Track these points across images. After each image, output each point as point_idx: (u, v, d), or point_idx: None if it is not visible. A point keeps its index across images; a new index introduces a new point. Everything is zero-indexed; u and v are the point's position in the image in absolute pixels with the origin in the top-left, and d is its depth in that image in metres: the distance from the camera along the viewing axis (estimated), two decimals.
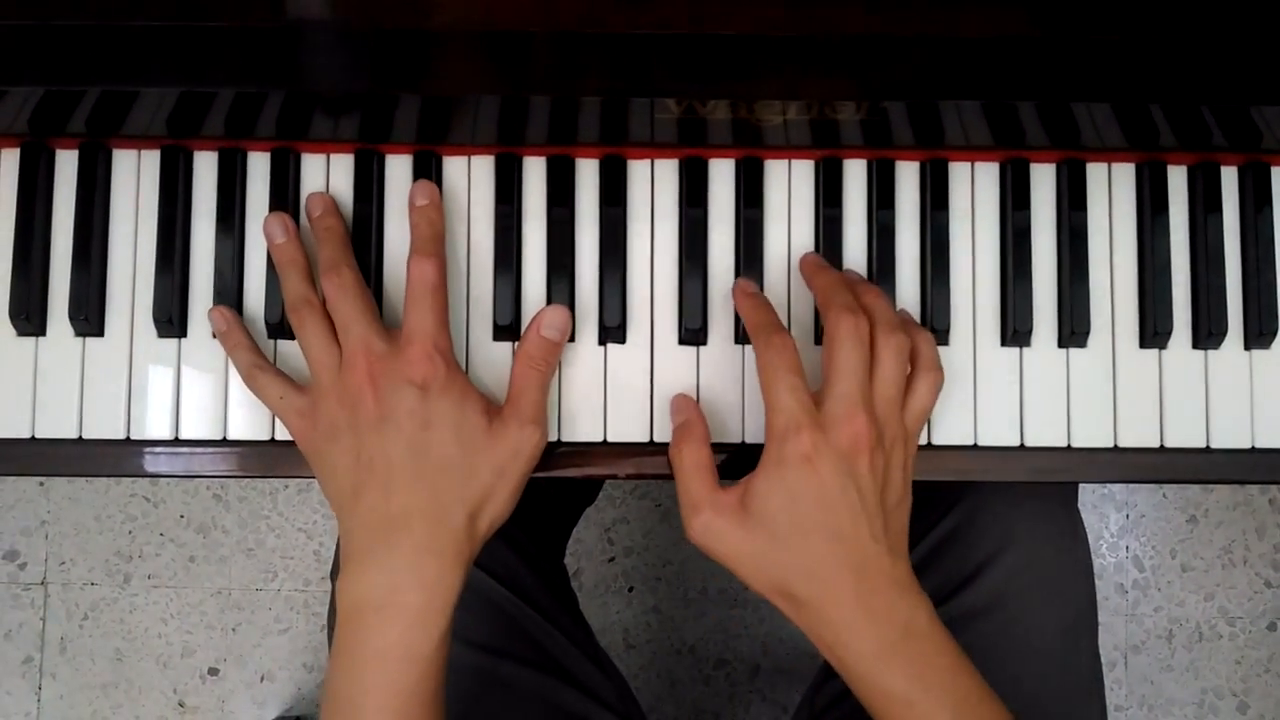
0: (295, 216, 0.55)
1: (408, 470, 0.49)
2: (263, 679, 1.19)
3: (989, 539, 0.64)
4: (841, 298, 0.51)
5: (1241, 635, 1.21)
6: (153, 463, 0.55)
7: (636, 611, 1.20)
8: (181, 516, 1.20)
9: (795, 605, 0.49)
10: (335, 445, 0.50)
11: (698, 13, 0.44)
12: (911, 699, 0.48)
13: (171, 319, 0.54)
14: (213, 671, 1.19)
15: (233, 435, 0.55)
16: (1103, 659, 1.19)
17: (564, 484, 0.59)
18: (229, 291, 0.55)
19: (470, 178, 0.56)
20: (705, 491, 0.50)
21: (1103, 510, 1.22)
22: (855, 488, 0.48)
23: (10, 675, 1.19)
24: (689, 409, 0.53)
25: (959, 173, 0.56)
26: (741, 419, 0.55)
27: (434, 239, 0.52)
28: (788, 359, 0.49)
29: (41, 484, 1.19)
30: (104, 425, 0.55)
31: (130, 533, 1.20)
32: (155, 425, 0.55)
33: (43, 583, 1.20)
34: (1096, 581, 1.19)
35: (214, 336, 0.54)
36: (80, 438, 0.55)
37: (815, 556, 0.48)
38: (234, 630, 1.19)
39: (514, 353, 0.54)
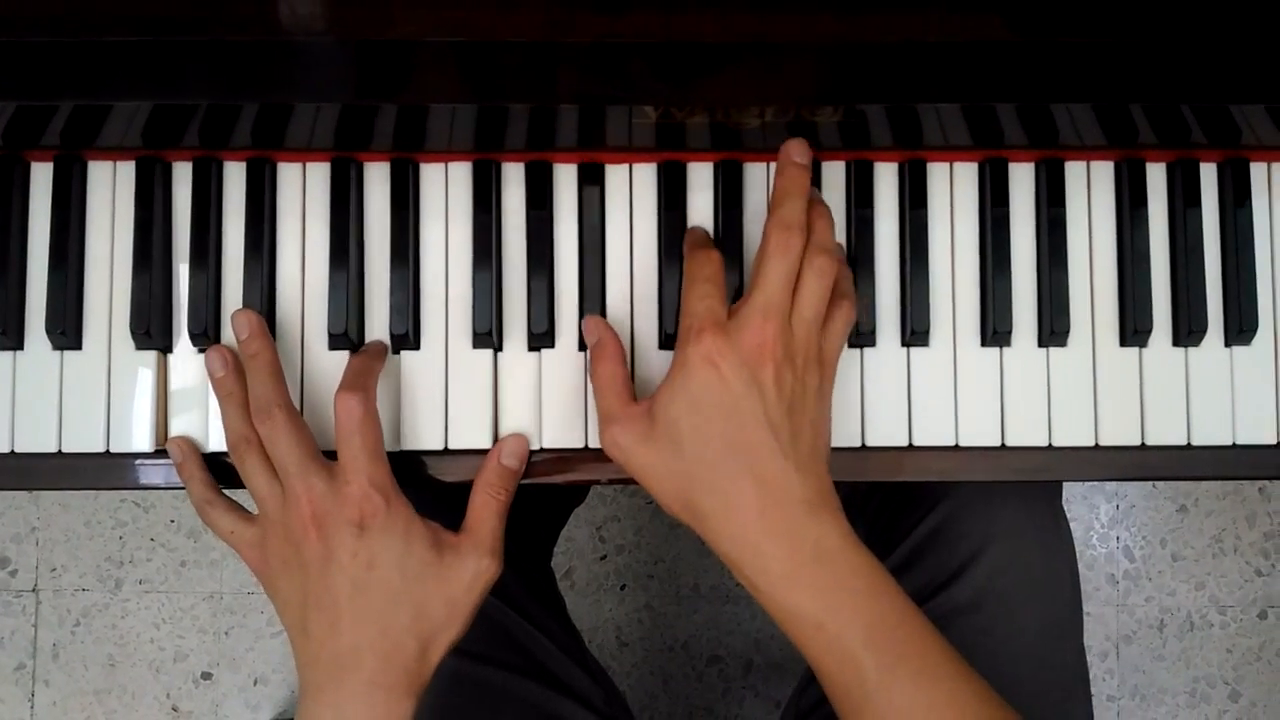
0: (273, 220, 0.55)
1: (354, 609, 0.49)
2: (256, 682, 1.19)
3: (972, 537, 0.64)
4: (789, 210, 0.50)
5: (1233, 624, 1.21)
6: (133, 475, 0.55)
7: (629, 609, 1.20)
8: (172, 521, 1.20)
9: (700, 520, 0.48)
10: (285, 580, 0.51)
11: (670, 21, 0.44)
12: (820, 621, 0.47)
13: (149, 331, 0.54)
14: (206, 676, 1.19)
15: (212, 447, 0.55)
16: (1094, 649, 1.20)
17: (549, 488, 0.59)
18: (205, 301, 0.54)
19: (448, 184, 0.56)
20: (618, 405, 0.50)
21: (1093, 501, 1.22)
22: (759, 395, 0.47)
23: (3, 683, 1.19)
24: (600, 328, 0.53)
25: (938, 173, 0.56)
26: None
27: (360, 371, 0.52)
28: (710, 270, 0.50)
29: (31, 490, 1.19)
30: (84, 439, 0.54)
31: (121, 538, 1.20)
32: (135, 438, 0.54)
33: (34, 589, 1.19)
34: (1087, 572, 1.20)
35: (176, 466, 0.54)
36: (60, 451, 0.54)
37: (715, 465, 0.48)
38: (226, 634, 1.19)
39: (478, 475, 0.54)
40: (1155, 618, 1.21)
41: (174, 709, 1.19)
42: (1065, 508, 0.70)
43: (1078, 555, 1.21)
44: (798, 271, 0.49)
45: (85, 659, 1.19)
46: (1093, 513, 1.22)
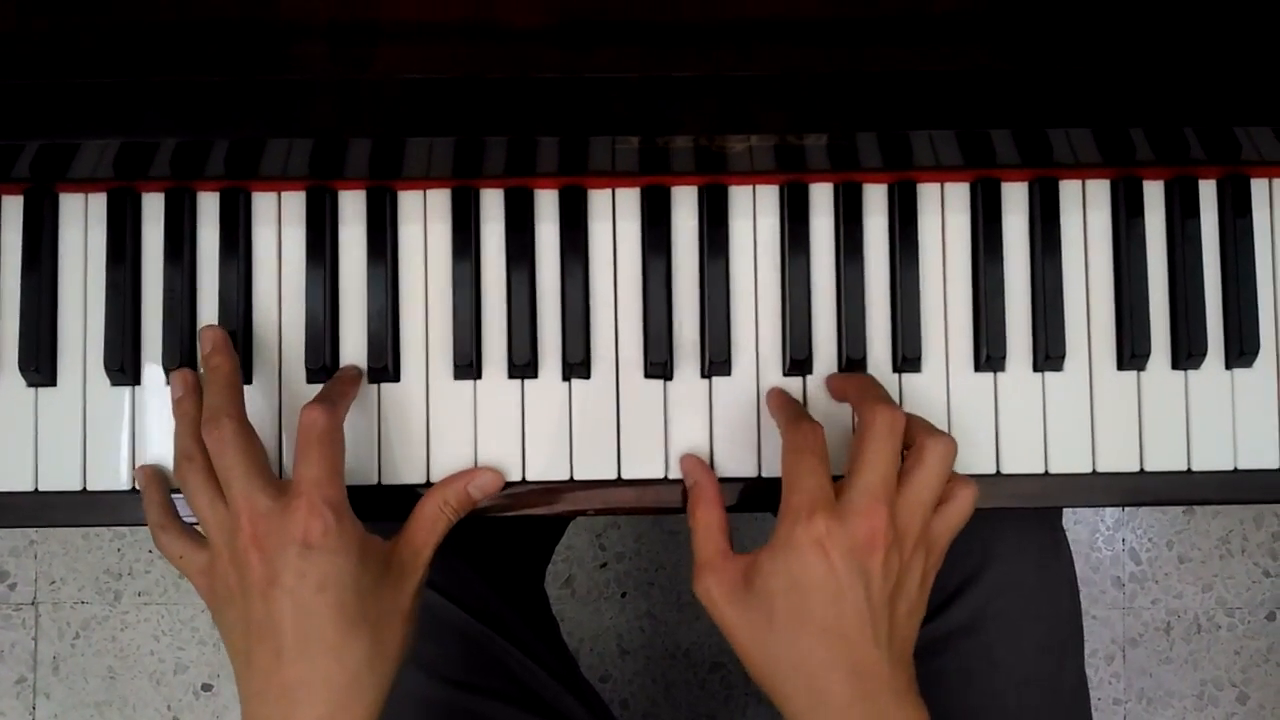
0: (248, 251, 0.54)
1: (301, 637, 0.46)
2: None
3: (969, 558, 0.63)
4: (878, 392, 0.50)
5: (1240, 625, 1.20)
6: (112, 512, 0.54)
7: (630, 617, 1.20)
8: None
9: (781, 698, 0.47)
10: (230, 609, 0.48)
11: (646, 56, 0.42)
12: None
13: (123, 367, 0.53)
14: (206, 687, 1.19)
15: None
16: (1100, 653, 1.19)
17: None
18: (179, 335, 0.53)
19: (426, 212, 0.54)
20: (715, 555, 0.49)
21: None
22: (863, 585, 0.46)
23: (4, 696, 1.19)
24: (698, 470, 0.52)
25: (928, 194, 0.55)
26: (710, 454, 0.54)
27: (329, 392, 0.51)
28: (813, 442, 0.48)
29: None
30: (60, 477, 0.53)
31: (119, 550, 1.19)
32: (112, 475, 0.54)
33: (33, 602, 1.19)
34: (1092, 575, 1.19)
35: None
36: (37, 490, 0.54)
37: (808, 650, 0.46)
38: None
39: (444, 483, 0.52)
40: (1162, 620, 1.20)
41: None
42: (1069, 510, 0.69)
43: (1083, 557, 1.20)
44: (917, 451, 0.48)
45: (85, 671, 1.19)
46: (1098, 515, 1.21)
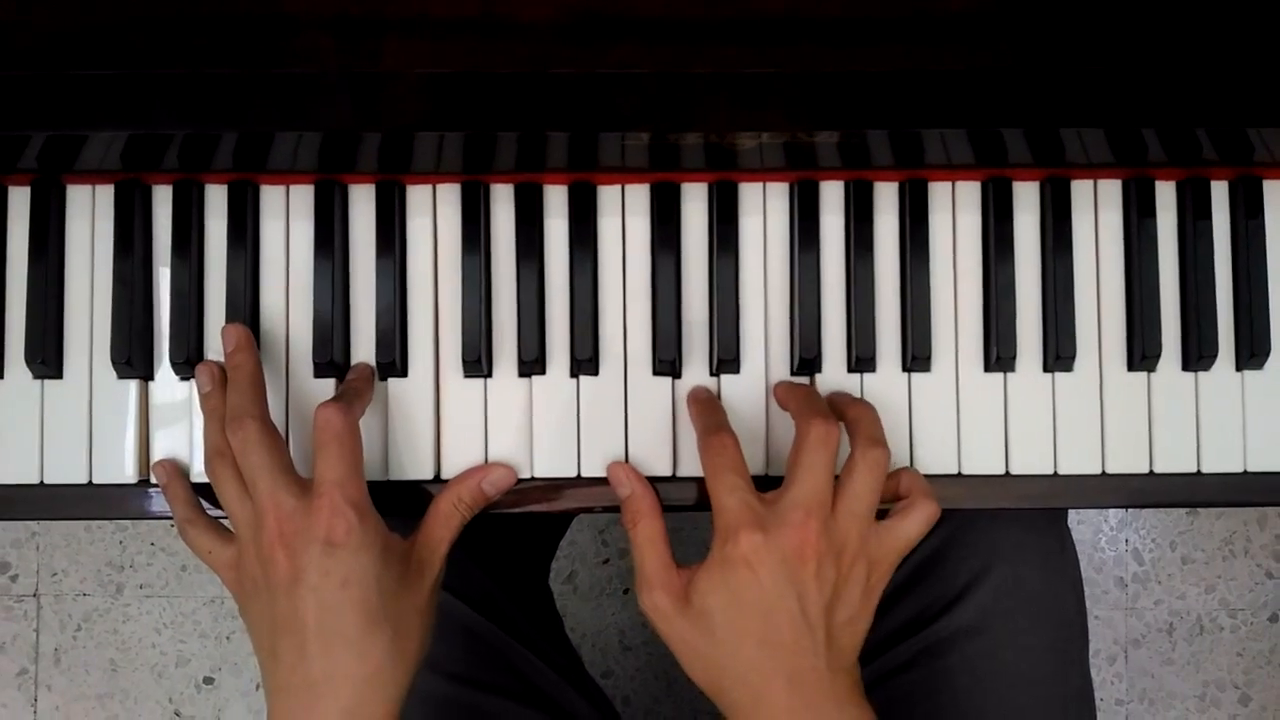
0: (256, 244, 0.54)
1: (325, 633, 0.47)
2: (258, 687, 1.19)
3: (975, 558, 0.63)
4: (814, 405, 0.50)
5: (1243, 627, 1.20)
6: (117, 505, 0.54)
7: (632, 613, 1.19)
8: (172, 525, 1.19)
9: (727, 707, 0.48)
10: (256, 604, 0.49)
11: (657, 53, 0.42)
12: None
13: (130, 360, 0.53)
14: (208, 681, 1.19)
15: (197, 476, 0.53)
16: (1103, 653, 1.19)
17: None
18: (187, 328, 0.53)
19: (435, 206, 0.54)
20: (659, 570, 0.49)
21: None
22: (796, 596, 0.46)
23: (6, 688, 1.19)
24: (631, 480, 0.52)
25: (939, 193, 0.54)
26: None
27: (344, 391, 0.51)
28: (728, 458, 0.48)
29: None
30: (66, 470, 0.53)
31: (121, 542, 1.19)
32: (117, 468, 0.53)
33: (35, 594, 1.19)
34: (1095, 575, 1.19)
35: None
36: (43, 482, 0.53)
37: (748, 662, 0.47)
38: (228, 639, 1.19)
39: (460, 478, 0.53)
40: (1165, 621, 1.20)
41: (176, 714, 1.19)
42: (1073, 510, 0.69)
43: (1087, 558, 1.20)
44: (849, 462, 0.48)
45: (87, 664, 1.19)
46: (1101, 515, 1.20)
